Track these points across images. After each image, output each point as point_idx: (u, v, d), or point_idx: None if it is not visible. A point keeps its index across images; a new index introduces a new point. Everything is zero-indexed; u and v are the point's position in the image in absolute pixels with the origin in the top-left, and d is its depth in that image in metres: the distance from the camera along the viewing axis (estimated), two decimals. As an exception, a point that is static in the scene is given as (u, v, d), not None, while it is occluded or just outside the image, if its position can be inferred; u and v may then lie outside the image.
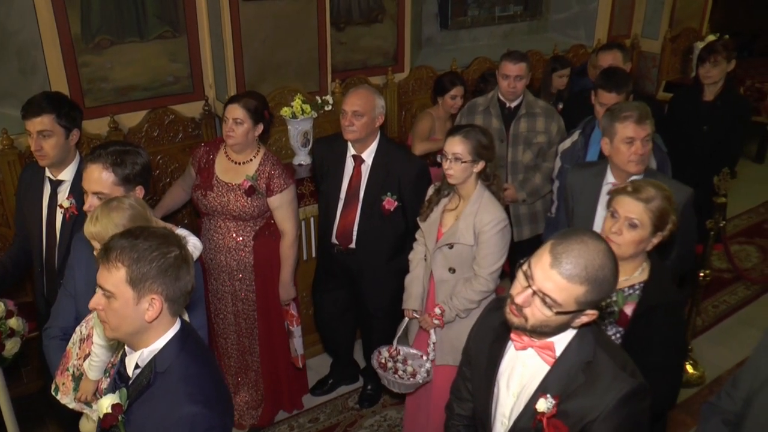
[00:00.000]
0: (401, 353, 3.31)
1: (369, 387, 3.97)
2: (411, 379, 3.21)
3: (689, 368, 4.27)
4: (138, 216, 2.27)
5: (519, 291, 1.69)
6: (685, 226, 2.93)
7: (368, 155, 3.48)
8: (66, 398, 2.48)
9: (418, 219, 3.24)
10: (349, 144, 3.48)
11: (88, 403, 2.44)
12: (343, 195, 3.53)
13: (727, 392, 2.24)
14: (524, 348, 1.82)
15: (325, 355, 4.31)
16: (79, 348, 2.45)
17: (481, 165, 2.96)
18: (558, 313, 1.65)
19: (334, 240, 3.61)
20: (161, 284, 1.75)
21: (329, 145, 3.63)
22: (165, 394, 1.77)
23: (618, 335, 2.34)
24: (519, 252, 3.76)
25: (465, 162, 2.92)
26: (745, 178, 7.40)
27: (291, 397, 3.96)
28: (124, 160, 2.57)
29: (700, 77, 4.22)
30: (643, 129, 2.80)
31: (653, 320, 2.27)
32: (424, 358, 3.26)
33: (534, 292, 1.67)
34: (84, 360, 2.41)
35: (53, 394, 2.50)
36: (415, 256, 3.34)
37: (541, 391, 1.78)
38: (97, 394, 2.42)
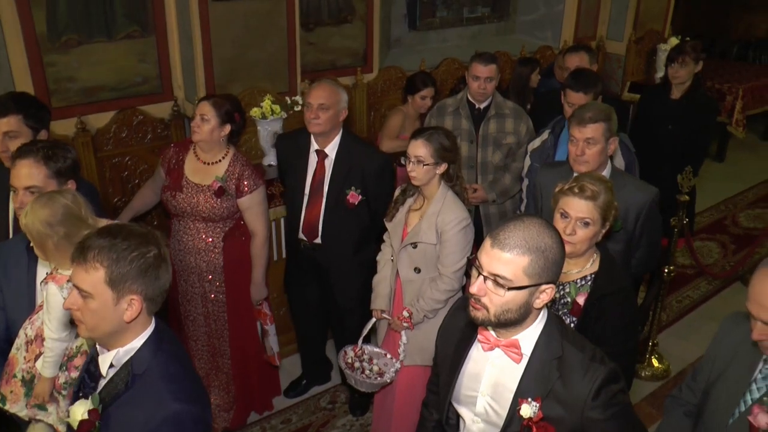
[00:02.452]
0: (366, 352, 3.34)
1: (356, 394, 3.93)
2: (378, 378, 3.24)
3: (654, 362, 4.39)
4: (70, 215, 2.27)
5: (473, 282, 1.74)
6: (650, 225, 3.03)
7: (331, 150, 3.50)
8: (16, 406, 2.44)
9: (384, 219, 3.27)
10: (312, 139, 3.50)
11: (43, 407, 2.41)
12: (307, 190, 3.55)
13: (688, 385, 2.32)
14: (491, 348, 1.85)
15: (296, 357, 4.31)
16: (27, 351, 2.42)
17: (443, 167, 3.00)
18: (510, 288, 1.69)
19: (300, 235, 3.62)
20: (141, 284, 1.74)
21: (292, 141, 3.64)
22: (146, 395, 1.75)
23: (572, 325, 2.40)
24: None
25: (427, 164, 2.96)
26: (706, 176, 7.57)
27: (263, 399, 3.96)
28: (55, 154, 2.59)
29: (668, 77, 4.33)
30: (581, 131, 2.86)
31: (605, 308, 2.35)
32: (388, 356, 3.29)
33: (485, 278, 1.71)
34: (35, 361, 2.39)
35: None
36: (383, 257, 3.37)
37: (520, 395, 1.81)
38: (55, 391, 2.40)
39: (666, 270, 4.24)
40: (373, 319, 3.39)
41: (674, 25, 7.52)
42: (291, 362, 4.31)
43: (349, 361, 3.32)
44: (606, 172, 2.98)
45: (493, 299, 1.72)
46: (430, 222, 3.02)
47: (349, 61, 4.88)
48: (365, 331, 3.37)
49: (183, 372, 1.83)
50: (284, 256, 3.99)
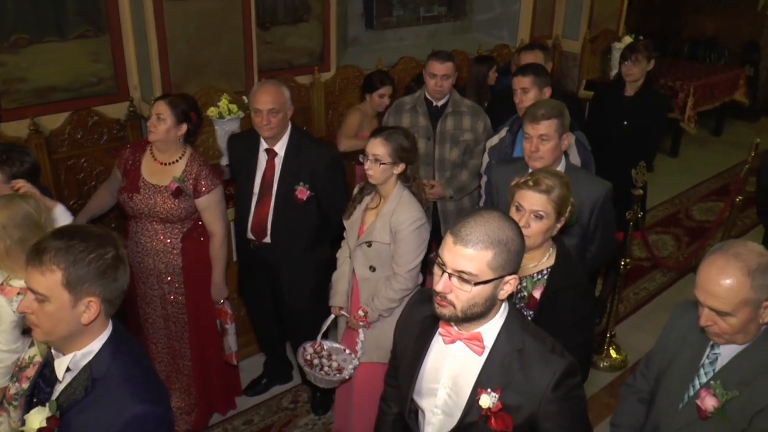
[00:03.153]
0: (325, 348, 3.34)
1: (318, 393, 3.93)
2: (337, 374, 3.25)
3: (612, 353, 4.48)
4: (29, 221, 2.23)
5: (437, 280, 1.75)
6: (604, 219, 3.09)
7: (280, 147, 3.50)
8: None
9: (342, 217, 3.28)
10: (262, 139, 3.49)
11: None
12: (256, 189, 3.54)
13: (641, 373, 2.38)
14: (453, 341, 1.87)
15: (258, 357, 4.29)
16: None
17: (401, 167, 3.02)
18: (477, 283, 1.71)
19: (249, 235, 3.60)
20: (99, 286, 1.71)
21: (242, 141, 3.64)
22: (107, 399, 1.72)
23: (529, 319, 2.44)
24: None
25: (385, 164, 2.97)
26: (661, 171, 7.75)
27: (224, 399, 3.93)
28: (11, 157, 2.54)
29: (622, 74, 4.42)
30: (534, 128, 2.91)
31: (560, 302, 2.39)
32: (347, 351, 3.30)
33: (450, 275, 1.72)
34: None
35: None
36: (342, 254, 3.38)
37: (479, 385, 1.84)
38: (5, 402, 2.36)
39: (622, 263, 4.33)
40: (332, 316, 3.40)
41: (628, 25, 7.68)
42: (253, 362, 4.29)
43: (308, 357, 3.32)
44: (560, 168, 3.02)
45: (459, 295, 1.73)
46: (384, 221, 3.04)
47: (306, 60, 4.88)
48: (324, 327, 3.37)
49: (144, 373, 1.81)
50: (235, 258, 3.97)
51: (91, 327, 1.76)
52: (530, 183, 2.39)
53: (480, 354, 1.85)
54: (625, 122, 4.32)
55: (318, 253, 3.64)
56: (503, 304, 1.86)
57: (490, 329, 1.84)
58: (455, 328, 1.85)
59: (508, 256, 1.72)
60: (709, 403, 1.99)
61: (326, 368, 3.29)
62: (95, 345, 1.79)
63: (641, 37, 6.42)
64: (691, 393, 2.07)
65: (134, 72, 4.31)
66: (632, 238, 4.33)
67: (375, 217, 3.11)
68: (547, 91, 3.61)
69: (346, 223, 3.28)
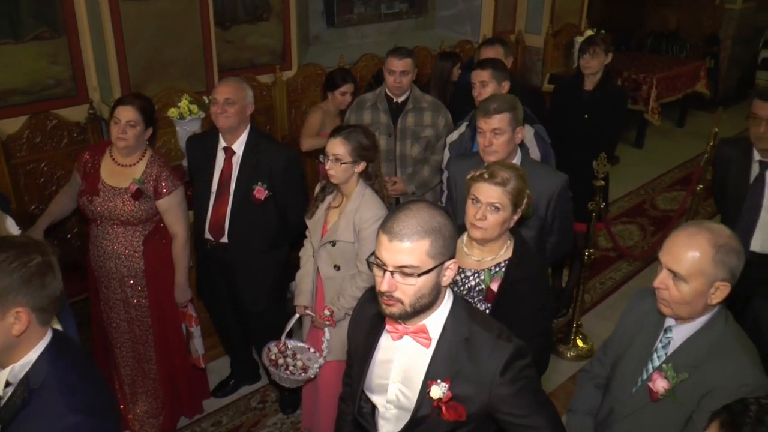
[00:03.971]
0: (290, 347, 3.34)
1: (286, 392, 3.92)
2: (302, 374, 3.25)
3: (579, 342, 4.54)
4: None
5: (380, 281, 1.75)
6: (562, 211, 3.12)
7: (239, 146, 3.49)
8: None
9: (305, 216, 3.28)
10: (220, 137, 3.49)
11: None
12: (214, 188, 3.53)
13: (599, 359, 2.42)
14: (400, 337, 1.88)
15: (225, 358, 4.27)
16: None
17: (362, 165, 3.02)
18: (420, 274, 1.71)
19: (207, 235, 3.59)
20: (26, 295, 1.67)
21: (201, 141, 3.63)
22: (44, 409, 1.69)
23: (487, 311, 2.46)
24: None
25: (346, 163, 2.97)
26: (626, 162, 7.88)
27: (191, 402, 3.91)
28: None
29: (580, 68, 4.47)
30: (487, 122, 2.93)
31: (518, 293, 2.41)
32: (312, 350, 3.30)
33: (392, 273, 1.73)
34: None
35: None
36: (305, 253, 3.38)
37: (429, 377, 1.85)
38: None
39: (587, 253, 4.39)
40: (297, 315, 3.39)
41: (592, 19, 7.78)
42: (221, 364, 4.27)
43: (273, 357, 3.31)
44: (516, 161, 3.04)
45: (405, 290, 1.74)
46: (347, 220, 3.05)
47: (267, 59, 4.86)
48: (288, 327, 3.37)
49: (82, 382, 1.77)
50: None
51: (24, 338, 1.72)
52: (486, 176, 2.40)
53: (427, 346, 1.86)
54: (586, 115, 4.37)
55: (276, 254, 3.63)
56: (448, 294, 1.88)
57: (436, 320, 1.85)
58: (402, 323, 1.86)
59: (444, 242, 1.73)
60: (660, 385, 2.03)
61: (291, 367, 3.29)
62: (32, 355, 1.75)
63: (603, 31, 6.50)
64: (645, 377, 2.12)
65: (93, 74, 4.26)
66: (595, 229, 4.38)
67: (338, 216, 3.11)
68: (506, 85, 3.63)
69: (308, 222, 3.27)
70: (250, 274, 3.63)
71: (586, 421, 2.35)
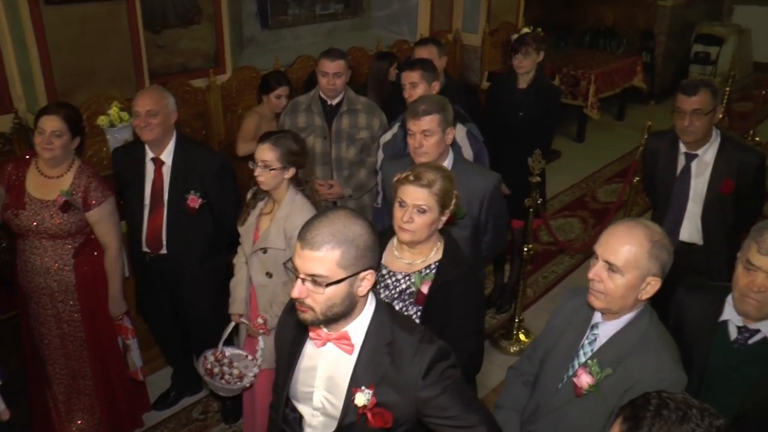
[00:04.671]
0: (227, 355, 3.29)
1: (228, 402, 3.87)
2: (238, 382, 3.20)
3: (522, 337, 4.58)
4: None
5: (294, 287, 1.74)
6: (495, 209, 3.14)
7: (167, 156, 3.43)
8: None
9: (237, 223, 3.24)
10: (147, 148, 3.42)
11: None
12: (147, 201, 3.47)
13: (528, 356, 2.44)
14: (324, 343, 1.87)
15: (166, 370, 4.18)
16: None
17: (291, 171, 2.99)
18: (329, 284, 1.71)
19: (144, 248, 3.53)
20: None
21: (127, 153, 3.55)
22: None
23: (418, 314, 2.46)
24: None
25: (275, 169, 2.94)
26: (567, 156, 8.01)
27: (131, 417, 3.81)
28: None
29: (513, 67, 4.50)
30: (416, 124, 2.92)
31: (449, 294, 2.40)
32: (249, 357, 3.26)
33: (303, 280, 1.72)
34: None
35: None
36: (239, 260, 3.33)
37: (353, 384, 1.83)
38: None
39: (525, 249, 4.43)
40: (233, 323, 3.35)
41: (529, 17, 7.86)
42: (161, 376, 4.19)
43: (209, 366, 3.25)
44: (448, 161, 3.05)
45: (316, 298, 1.74)
46: (278, 227, 3.01)
47: (200, 63, 4.77)
48: (225, 335, 3.32)
49: None
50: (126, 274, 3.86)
51: None
52: (411, 178, 2.39)
53: (350, 353, 1.85)
54: (520, 113, 4.40)
55: (215, 262, 3.60)
56: (370, 300, 1.87)
57: (358, 326, 1.85)
58: (324, 330, 1.85)
59: (357, 253, 1.73)
60: (584, 380, 2.05)
61: (227, 376, 3.23)
62: None
63: (539, 29, 6.58)
64: (570, 373, 2.13)
65: (17, 82, 4.13)
66: (533, 225, 4.43)
67: (269, 223, 3.07)
68: (436, 86, 3.64)
69: (240, 229, 3.23)
70: (193, 284, 3.58)
71: (511, 416, 2.36)
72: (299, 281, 1.73)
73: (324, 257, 1.70)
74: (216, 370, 3.23)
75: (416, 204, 2.37)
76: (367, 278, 1.78)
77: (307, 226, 1.74)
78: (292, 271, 1.75)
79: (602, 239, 2.02)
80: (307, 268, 1.71)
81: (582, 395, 2.05)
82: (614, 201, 6.74)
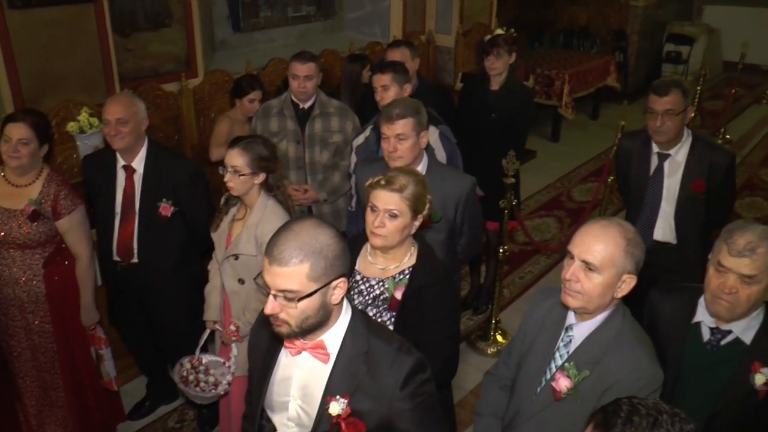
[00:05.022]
0: (203, 362, 3.25)
1: (204, 410, 3.82)
2: (213, 389, 3.16)
3: (499, 338, 4.58)
4: None
5: (267, 303, 1.72)
6: (470, 212, 3.13)
7: (138, 163, 3.39)
8: None
9: (210, 229, 3.21)
10: (118, 155, 3.37)
11: None
12: (118, 209, 3.42)
13: (503, 361, 2.43)
14: (299, 352, 1.85)
15: (141, 379, 4.12)
16: None
17: (261, 177, 2.96)
18: (301, 298, 1.69)
19: (115, 257, 3.48)
20: None
21: (98, 160, 3.50)
22: None
23: (391, 320, 2.44)
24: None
25: (244, 175, 2.91)
26: (543, 156, 8.05)
27: (105, 428, 3.74)
28: None
29: (486, 69, 4.50)
30: (390, 128, 2.90)
31: (422, 300, 2.39)
32: (227, 364, 3.22)
33: (275, 296, 1.70)
34: None
35: None
36: (213, 266, 3.30)
37: (328, 393, 1.81)
38: None
39: (501, 250, 4.43)
40: (208, 330, 3.31)
41: (503, 18, 7.89)
42: (135, 385, 4.13)
43: (184, 374, 3.21)
44: (423, 165, 3.04)
45: (289, 313, 1.71)
46: (249, 233, 2.98)
47: (172, 67, 4.70)
48: (201, 341, 3.28)
49: None
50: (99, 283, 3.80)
51: None
52: (383, 182, 2.37)
53: (326, 362, 1.83)
54: (493, 115, 4.40)
55: (188, 270, 3.56)
56: (345, 308, 1.85)
57: (334, 335, 1.83)
58: (299, 339, 1.83)
59: (326, 263, 1.70)
60: (563, 384, 2.05)
61: (202, 383, 3.19)
62: None
63: (512, 30, 6.60)
64: (548, 376, 2.12)
65: (-18, 89, 4.03)
66: (508, 226, 4.43)
67: (241, 229, 3.04)
68: (408, 88, 3.63)
69: (213, 235, 3.20)
70: (166, 293, 3.54)
71: (492, 423, 2.35)
72: (271, 297, 1.71)
73: (293, 272, 1.67)
74: (191, 377, 3.19)
75: (387, 209, 2.35)
76: (340, 286, 1.76)
77: (273, 240, 1.71)
78: (263, 288, 1.73)
79: (577, 239, 2.02)
80: (277, 284, 1.69)
81: (561, 399, 2.05)
82: (590, 200, 6.81)
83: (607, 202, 6.08)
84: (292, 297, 1.69)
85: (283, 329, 1.75)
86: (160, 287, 3.53)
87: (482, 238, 3.42)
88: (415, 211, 2.39)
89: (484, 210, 3.52)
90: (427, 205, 2.44)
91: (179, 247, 3.51)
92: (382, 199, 2.35)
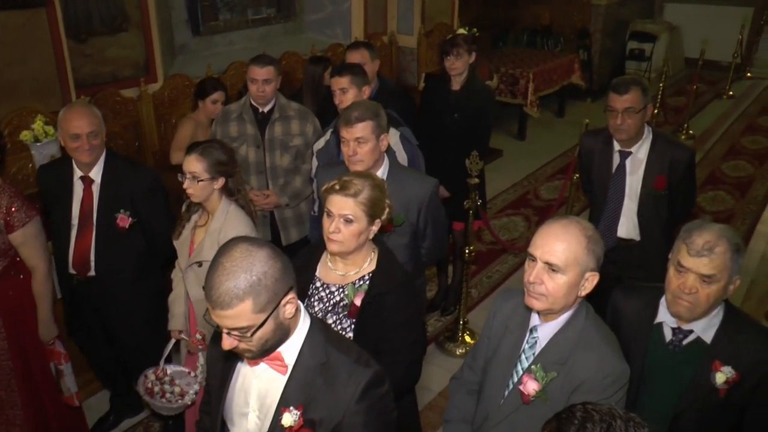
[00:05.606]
0: (168, 373, 3.19)
1: (169, 421, 3.72)
2: (180, 400, 3.11)
3: (467, 338, 4.57)
4: None
5: (223, 338, 1.69)
6: (433, 215, 3.10)
7: (96, 173, 3.31)
8: None
9: (172, 237, 3.15)
10: (75, 166, 3.30)
11: None
12: (75, 221, 3.34)
13: (468, 365, 2.41)
14: (257, 363, 1.82)
15: (103, 393, 4.04)
16: None
17: (221, 181, 2.92)
18: (254, 332, 1.66)
19: (71, 270, 3.40)
20: None
21: (54, 171, 3.41)
22: None
23: (352, 326, 2.40)
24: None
25: (203, 180, 2.87)
26: (509, 155, 8.08)
27: (67, 445, 3.66)
28: None
29: (446, 69, 4.48)
30: (349, 131, 2.87)
31: (382, 306, 2.35)
32: (192, 374, 3.17)
33: (228, 333, 1.67)
34: None
35: None
36: (176, 275, 3.24)
37: (283, 404, 1.78)
38: None
39: (467, 251, 4.42)
40: (173, 341, 3.25)
41: (466, 18, 7.89)
42: (99, 399, 4.04)
43: (149, 386, 3.15)
44: (383, 168, 3.01)
45: (246, 343, 1.69)
46: (212, 239, 2.93)
47: (130, 72, 4.60)
48: (166, 352, 3.22)
49: None
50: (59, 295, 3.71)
51: None
52: (337, 187, 2.34)
53: (284, 373, 1.79)
54: (455, 115, 4.38)
55: (149, 281, 3.50)
56: (303, 318, 1.82)
57: (292, 346, 1.79)
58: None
59: (268, 292, 1.66)
60: (531, 387, 2.03)
61: (168, 394, 3.13)
62: None
63: (474, 30, 6.61)
64: (515, 379, 2.10)
65: (-70, 97, 3.91)
66: (474, 226, 4.42)
67: (204, 235, 2.99)
68: (367, 90, 3.59)
69: (175, 243, 3.15)
70: (125, 307, 3.48)
71: (463, 429, 2.33)
72: (225, 334, 1.68)
73: (237, 313, 1.63)
74: (156, 389, 3.13)
75: (342, 214, 2.31)
76: (290, 302, 1.73)
77: (209, 283, 1.65)
78: (214, 326, 1.69)
79: (538, 241, 2.00)
80: (225, 325, 1.66)
81: (530, 402, 2.03)
82: (556, 198, 6.85)
83: (573, 200, 6.14)
84: (244, 332, 1.66)
85: (247, 354, 1.74)
86: (119, 300, 3.46)
87: (447, 241, 3.39)
88: (372, 216, 2.35)
89: (449, 211, 3.50)
90: (387, 210, 2.40)
91: (138, 258, 3.45)
92: (337, 204, 2.32)
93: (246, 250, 1.67)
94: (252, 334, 1.66)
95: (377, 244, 2.48)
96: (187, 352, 3.24)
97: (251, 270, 1.63)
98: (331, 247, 2.35)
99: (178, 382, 3.18)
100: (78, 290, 3.48)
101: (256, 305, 1.64)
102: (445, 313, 4.94)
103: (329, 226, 2.31)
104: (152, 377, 3.17)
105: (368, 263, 2.43)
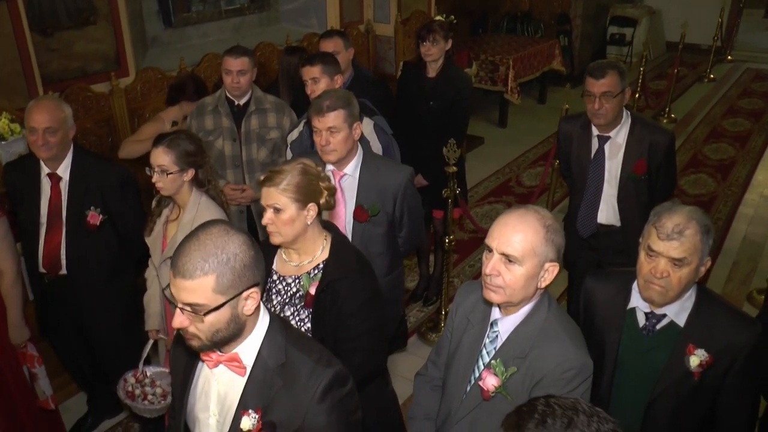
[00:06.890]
0: (149, 375, 3.12)
1: (149, 424, 3.64)
2: (162, 401, 3.04)
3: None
4: None
5: (174, 316, 1.64)
6: (409, 204, 3.07)
7: (64, 170, 3.24)
8: None
9: (144, 234, 3.08)
10: (42, 163, 3.22)
11: None
12: (44, 219, 3.27)
13: (432, 361, 2.37)
14: (216, 365, 1.76)
15: (81, 395, 3.98)
16: None
17: (191, 173, 2.87)
18: (208, 312, 1.60)
19: (41, 269, 3.33)
20: None
21: (20, 168, 3.33)
22: None
23: (309, 317, 2.37)
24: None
25: (172, 173, 2.81)
26: (491, 142, 8.04)
27: (44, 449, 3.58)
28: None
29: (422, 55, 4.41)
30: (321, 121, 2.82)
31: (336, 293, 2.32)
32: None
33: (182, 309, 1.62)
34: None
35: None
36: (150, 273, 3.19)
37: (242, 407, 1.73)
38: None
39: (447, 240, 4.37)
40: (151, 341, 3.19)
41: (444, 5, 7.80)
42: (76, 401, 3.98)
43: (130, 389, 3.08)
44: (357, 158, 2.97)
45: (198, 327, 1.63)
46: (185, 232, 2.82)
47: (101, 66, 4.48)
48: (144, 354, 3.14)
49: None
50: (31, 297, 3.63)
51: None
52: (262, 179, 2.33)
53: (243, 374, 1.74)
54: (431, 102, 4.32)
55: (122, 280, 3.44)
56: (262, 317, 1.77)
57: (249, 347, 1.74)
58: (215, 351, 1.74)
59: (233, 275, 1.61)
60: (490, 383, 1.97)
61: (150, 396, 3.06)
62: None
63: (453, 17, 6.53)
64: (477, 375, 2.05)
65: None
66: (454, 214, 4.37)
67: (176, 229, 2.93)
68: (339, 79, 3.53)
69: (148, 240, 3.09)
70: (99, 306, 3.42)
71: (427, 426, 2.29)
72: (178, 311, 1.62)
73: (197, 285, 1.58)
74: (138, 391, 3.06)
75: (269, 204, 2.29)
76: (252, 297, 1.67)
77: (178, 251, 1.62)
78: (171, 301, 1.64)
79: (494, 231, 1.92)
80: (182, 298, 1.60)
81: (490, 398, 1.98)
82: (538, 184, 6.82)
83: (555, 186, 6.12)
84: (198, 311, 1.60)
85: (194, 342, 1.66)
86: (92, 300, 3.39)
87: (423, 229, 3.35)
88: (303, 201, 2.29)
89: (429, 199, 3.45)
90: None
91: (110, 256, 3.39)
92: (265, 196, 2.31)
93: (224, 230, 1.65)
94: (205, 315, 1.60)
95: (330, 231, 2.44)
96: (166, 351, 3.18)
97: (224, 248, 1.61)
98: (272, 239, 2.34)
99: (159, 382, 3.11)
100: (49, 290, 3.41)
101: (218, 284, 1.60)
102: (427, 304, 4.89)
103: (265, 219, 2.30)
104: (132, 381, 3.11)
105: (321, 251, 2.40)
